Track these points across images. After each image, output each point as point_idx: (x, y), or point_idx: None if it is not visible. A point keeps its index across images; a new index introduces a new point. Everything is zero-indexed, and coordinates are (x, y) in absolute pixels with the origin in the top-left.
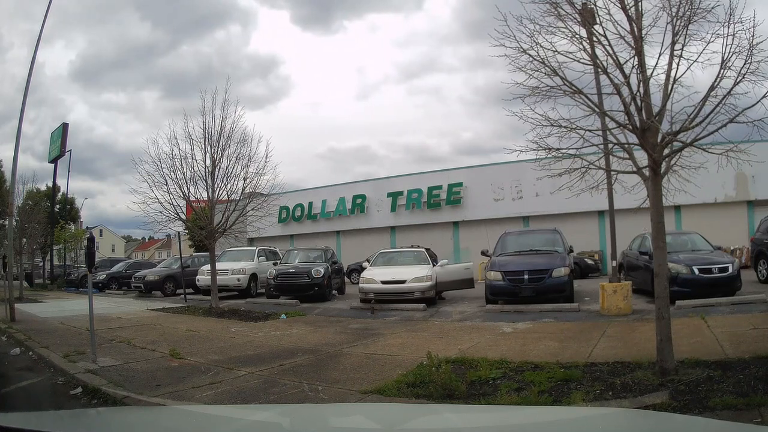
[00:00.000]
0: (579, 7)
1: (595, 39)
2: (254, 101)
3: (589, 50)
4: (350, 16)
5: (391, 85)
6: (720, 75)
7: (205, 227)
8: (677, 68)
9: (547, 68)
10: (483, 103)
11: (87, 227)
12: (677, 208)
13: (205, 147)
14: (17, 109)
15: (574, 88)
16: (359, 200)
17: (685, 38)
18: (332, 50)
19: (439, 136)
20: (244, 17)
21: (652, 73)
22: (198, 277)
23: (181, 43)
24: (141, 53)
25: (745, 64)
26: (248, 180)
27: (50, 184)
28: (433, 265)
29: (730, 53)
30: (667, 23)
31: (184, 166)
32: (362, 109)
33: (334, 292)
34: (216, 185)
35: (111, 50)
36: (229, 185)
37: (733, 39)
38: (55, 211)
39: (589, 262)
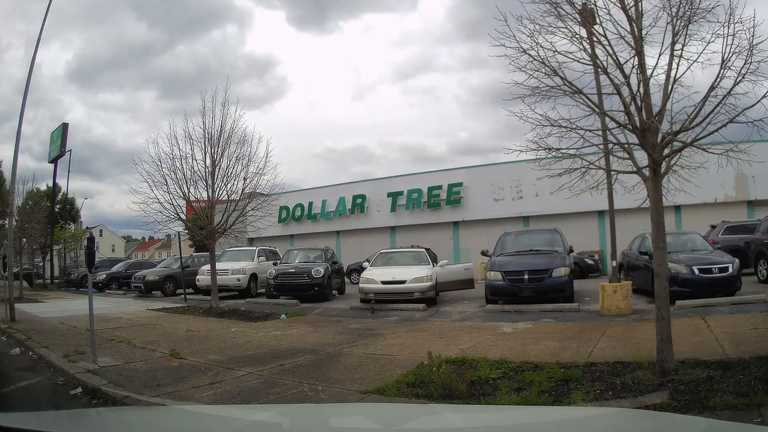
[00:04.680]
0: (579, 7)
1: (595, 39)
2: (251, 101)
3: (589, 50)
4: (346, 16)
5: (387, 85)
6: (720, 75)
7: (205, 227)
8: (677, 68)
9: (547, 68)
10: (479, 103)
11: (87, 227)
12: (677, 208)
13: (205, 147)
14: (15, 109)
15: (574, 88)
16: (359, 200)
17: (685, 38)
18: (328, 50)
19: (436, 135)
20: (240, 17)
21: (652, 73)
22: (198, 277)
23: (178, 43)
24: (137, 53)
25: (745, 64)
26: (248, 180)
27: (50, 184)
28: (433, 266)
29: (730, 53)
30: (667, 23)
31: (184, 166)
32: (359, 109)
33: (334, 292)
34: (216, 185)
35: (107, 50)
36: (229, 185)
37: (733, 39)
38: (55, 211)
39: (589, 262)
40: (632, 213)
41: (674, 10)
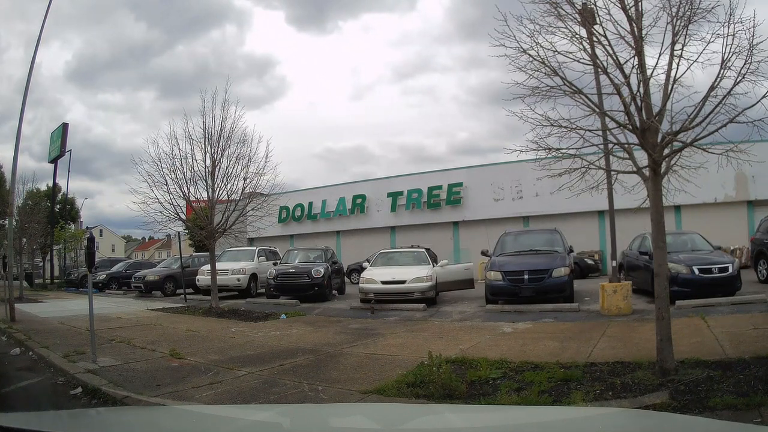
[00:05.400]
0: (579, 7)
1: (595, 39)
2: (251, 101)
3: (589, 50)
4: (345, 16)
5: (386, 85)
6: (720, 75)
7: (205, 227)
8: (677, 68)
9: (547, 68)
10: (477, 103)
11: (87, 227)
12: (677, 208)
13: (205, 147)
14: (15, 109)
15: (574, 88)
16: (359, 200)
17: (685, 38)
18: (328, 50)
19: (435, 135)
20: (239, 17)
21: (652, 73)
22: (198, 277)
23: (177, 43)
24: (137, 53)
25: (745, 64)
26: (248, 180)
27: (50, 184)
28: (433, 266)
29: (730, 53)
30: (667, 23)
31: (184, 166)
32: (358, 109)
33: (334, 292)
34: (216, 185)
35: (107, 50)
36: (229, 185)
37: (733, 39)
38: (55, 211)
39: (589, 262)
40: (632, 213)
41: (674, 10)
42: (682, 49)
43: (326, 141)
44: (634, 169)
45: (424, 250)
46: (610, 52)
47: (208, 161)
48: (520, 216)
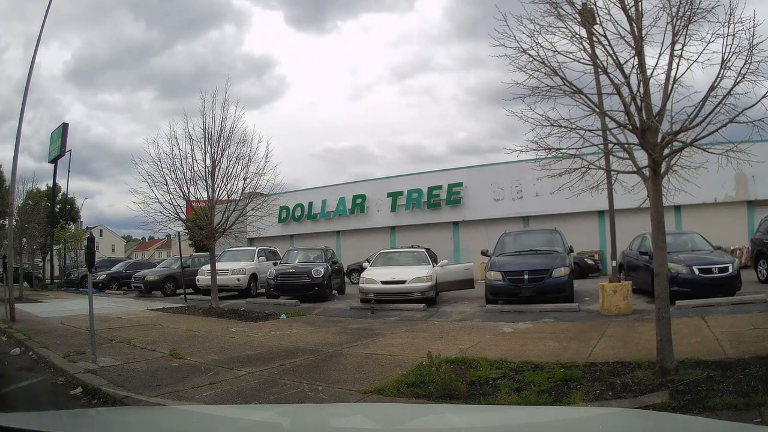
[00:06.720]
0: (579, 7)
1: (595, 39)
2: (250, 101)
3: (589, 50)
4: (344, 16)
5: (385, 85)
6: (720, 75)
7: (205, 227)
8: (677, 68)
9: (547, 68)
10: (477, 102)
11: (87, 227)
12: (677, 208)
13: (205, 147)
14: (14, 109)
15: (574, 88)
16: (359, 200)
17: (685, 38)
18: (327, 50)
19: (435, 135)
20: (238, 18)
21: (652, 73)
22: (198, 277)
23: (176, 43)
24: (136, 54)
25: (745, 64)
26: (248, 180)
27: (50, 184)
28: (433, 266)
29: (730, 53)
30: (667, 23)
31: (184, 166)
32: (357, 109)
33: (334, 292)
34: (216, 185)
35: (106, 50)
36: (229, 185)
37: (733, 39)
38: (55, 211)
39: (589, 262)
40: (632, 213)
41: (674, 10)
42: (682, 49)
43: (326, 141)
44: (634, 169)
45: (424, 250)
46: (610, 52)
47: (208, 161)
48: (520, 216)
